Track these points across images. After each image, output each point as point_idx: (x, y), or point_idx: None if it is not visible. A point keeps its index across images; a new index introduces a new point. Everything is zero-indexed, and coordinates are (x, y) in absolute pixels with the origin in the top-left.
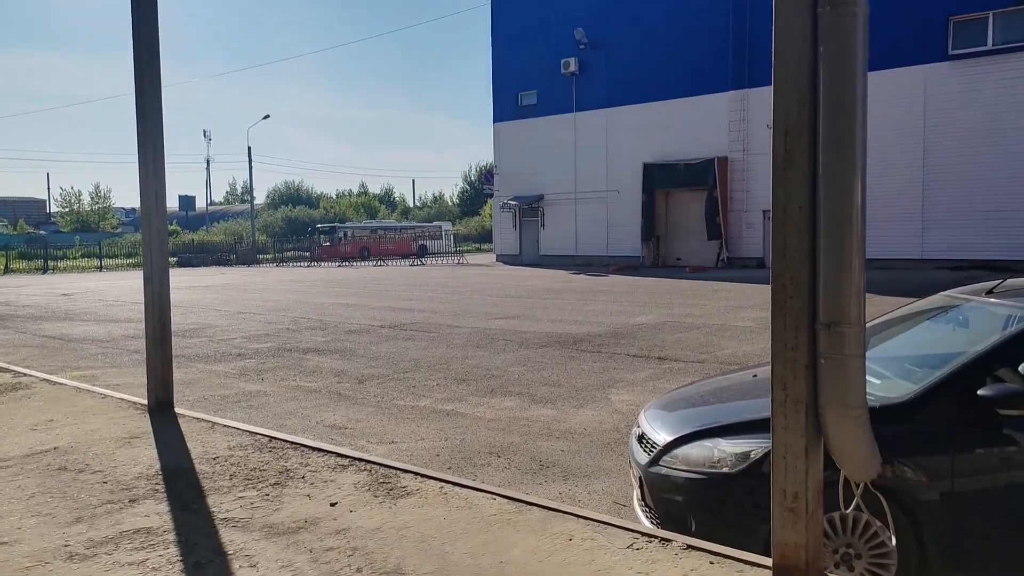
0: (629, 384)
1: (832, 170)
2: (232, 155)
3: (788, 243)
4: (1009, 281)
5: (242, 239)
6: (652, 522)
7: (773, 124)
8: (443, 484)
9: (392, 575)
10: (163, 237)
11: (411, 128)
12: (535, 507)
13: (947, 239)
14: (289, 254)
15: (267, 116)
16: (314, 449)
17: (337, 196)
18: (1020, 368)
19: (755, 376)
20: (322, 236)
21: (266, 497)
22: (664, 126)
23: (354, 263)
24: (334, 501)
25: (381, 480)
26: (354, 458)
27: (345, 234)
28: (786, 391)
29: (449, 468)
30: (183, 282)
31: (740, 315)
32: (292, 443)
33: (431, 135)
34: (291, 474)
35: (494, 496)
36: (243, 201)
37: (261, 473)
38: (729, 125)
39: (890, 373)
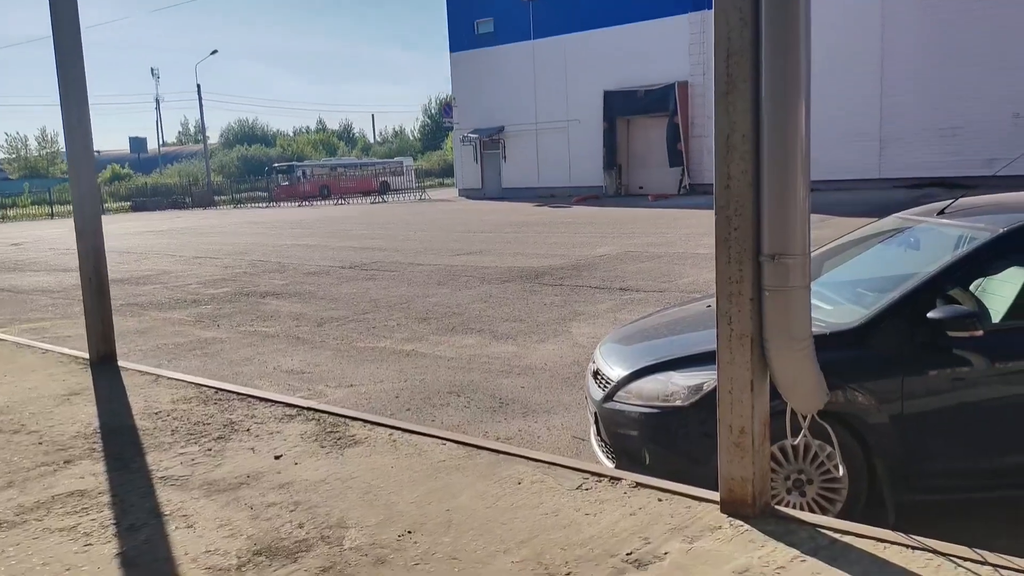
0: (590, 316)
1: (776, 95)
2: (184, 94)
3: (731, 173)
4: (960, 201)
5: (197, 181)
6: (608, 457)
7: (715, 47)
8: (393, 431)
9: (335, 529)
10: (93, 184)
11: (369, 61)
12: (485, 451)
13: (904, 158)
14: (246, 195)
15: (215, 51)
16: (261, 399)
17: (294, 134)
18: (971, 288)
19: (709, 307)
20: (280, 176)
21: (208, 452)
22: (624, 52)
23: (314, 202)
24: (279, 454)
25: (329, 429)
26: (302, 407)
27: (303, 173)
28: (731, 325)
29: (408, 409)
30: (136, 227)
31: (701, 242)
32: (239, 394)
33: (390, 68)
34: (236, 427)
35: (444, 441)
36: (197, 141)
37: (204, 427)
38: (689, 48)
39: (841, 298)
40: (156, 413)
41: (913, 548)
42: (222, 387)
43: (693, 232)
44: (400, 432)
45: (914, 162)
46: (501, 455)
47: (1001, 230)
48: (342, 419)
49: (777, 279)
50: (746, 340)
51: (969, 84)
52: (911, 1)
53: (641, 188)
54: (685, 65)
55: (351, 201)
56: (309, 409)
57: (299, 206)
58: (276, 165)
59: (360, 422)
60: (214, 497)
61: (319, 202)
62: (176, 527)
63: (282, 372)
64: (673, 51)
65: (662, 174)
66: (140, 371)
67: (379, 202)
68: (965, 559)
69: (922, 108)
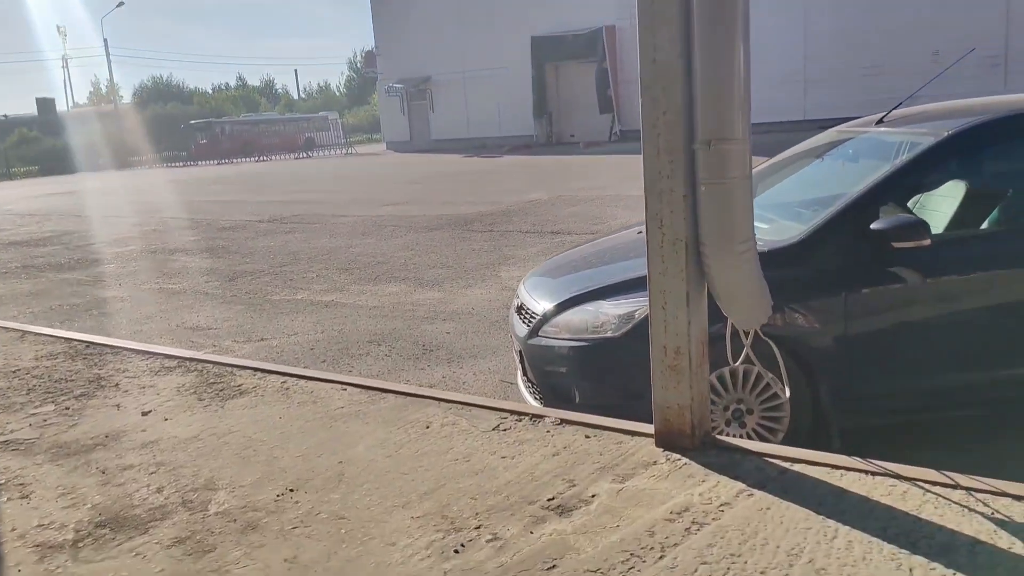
0: (521, 260)
1: None
2: (95, 51)
3: (657, 43)
4: (898, 110)
5: (111, 141)
6: (536, 399)
7: None
8: (286, 378)
9: (201, 492)
10: None
11: (290, 12)
12: (390, 394)
13: (829, 98)
14: (164, 155)
15: (121, 3)
16: (138, 352)
17: (213, 91)
18: (910, 202)
19: (640, 233)
20: (198, 133)
21: (65, 412)
22: None
23: (235, 160)
24: (147, 410)
25: (212, 380)
26: (183, 358)
27: (223, 129)
28: (662, 229)
29: (323, 362)
30: (43, 190)
31: (634, 185)
32: (113, 347)
33: (313, 19)
34: (103, 382)
35: (344, 387)
36: (110, 101)
37: (67, 384)
38: None
39: (778, 216)
40: (14, 372)
41: (874, 474)
42: (95, 341)
43: (625, 176)
44: (295, 379)
45: (838, 102)
46: (409, 398)
47: (946, 133)
48: (228, 368)
49: (714, 170)
50: (680, 245)
51: (889, 22)
52: None
53: (572, 136)
54: (613, 8)
55: (274, 158)
56: (192, 360)
57: (219, 164)
58: (193, 122)
59: (250, 371)
60: (61, 462)
61: (241, 160)
62: (8, 498)
63: (186, 329)
64: None
65: (593, 121)
66: (5, 327)
67: (304, 158)
68: (934, 483)
69: (844, 47)
